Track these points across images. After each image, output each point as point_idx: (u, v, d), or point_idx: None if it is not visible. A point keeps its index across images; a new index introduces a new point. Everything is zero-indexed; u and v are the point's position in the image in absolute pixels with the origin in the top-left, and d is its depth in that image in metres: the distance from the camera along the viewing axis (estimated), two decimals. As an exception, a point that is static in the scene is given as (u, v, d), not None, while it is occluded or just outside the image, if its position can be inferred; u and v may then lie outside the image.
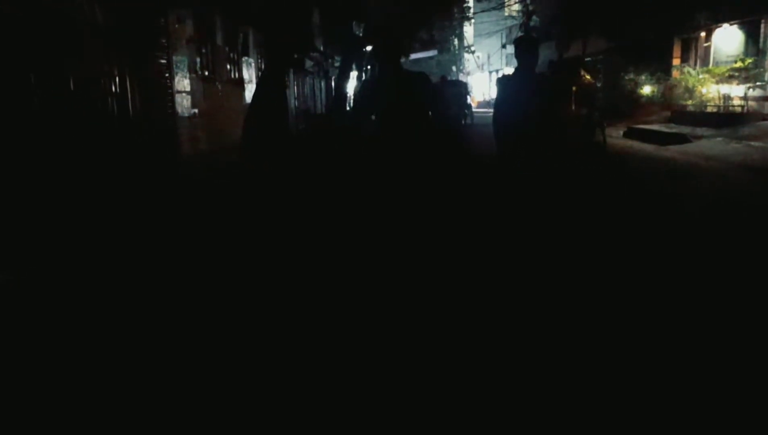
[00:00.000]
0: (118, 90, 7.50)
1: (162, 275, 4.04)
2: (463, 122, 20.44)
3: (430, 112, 3.93)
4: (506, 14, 33.12)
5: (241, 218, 5.76)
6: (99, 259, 4.40)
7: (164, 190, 7.32)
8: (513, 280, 3.74)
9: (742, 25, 14.49)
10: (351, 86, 20.19)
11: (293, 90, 18.22)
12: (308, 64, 19.86)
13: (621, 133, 15.52)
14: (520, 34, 25.01)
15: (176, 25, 9.25)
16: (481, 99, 40.67)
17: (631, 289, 3.55)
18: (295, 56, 16.60)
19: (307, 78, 21.24)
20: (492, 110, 4.61)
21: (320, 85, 23.75)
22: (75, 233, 5.06)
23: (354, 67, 19.29)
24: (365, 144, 3.92)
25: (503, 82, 4.62)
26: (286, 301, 3.43)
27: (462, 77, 44.11)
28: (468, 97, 22.29)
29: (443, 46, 37.31)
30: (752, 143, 10.95)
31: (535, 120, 4.31)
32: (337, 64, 21.73)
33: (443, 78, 20.37)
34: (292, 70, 17.34)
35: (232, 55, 12.48)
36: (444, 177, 6.15)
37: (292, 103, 17.70)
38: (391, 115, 3.79)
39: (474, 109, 34.74)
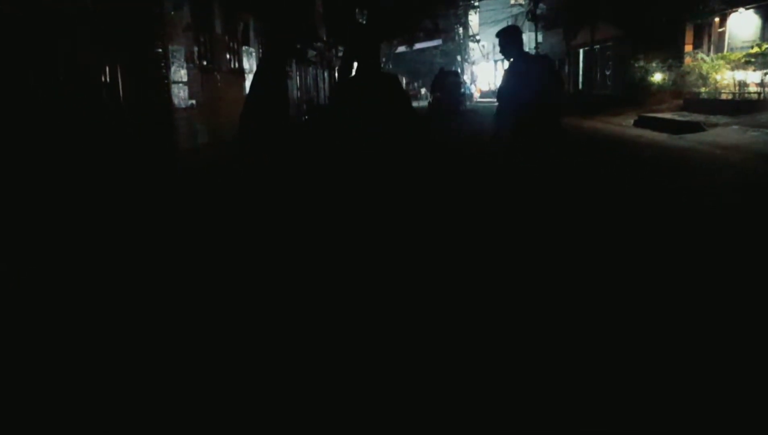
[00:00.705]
0: (110, 80, 7.20)
1: (159, 273, 3.90)
2: (460, 107, 21.57)
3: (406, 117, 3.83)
4: (512, 2, 32.66)
5: (239, 215, 5.51)
6: (93, 257, 4.24)
7: (160, 185, 7.04)
8: (517, 279, 3.44)
9: (759, 9, 14.06)
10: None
11: (295, 81, 17.91)
12: (311, 54, 19.54)
13: (631, 122, 15.17)
14: (526, 21, 24.76)
15: (172, 13, 8.91)
16: (486, 88, 40.29)
17: (649, 290, 3.25)
18: (298, 46, 16.30)
19: (310, 68, 20.92)
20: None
21: (323, 75, 23.44)
22: (64, 231, 4.89)
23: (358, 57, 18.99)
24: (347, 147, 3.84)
25: (508, 71, 4.58)
26: (285, 299, 3.29)
27: (467, 67, 43.78)
28: (462, 85, 23.62)
29: (448, 35, 36.89)
30: (770, 131, 10.58)
31: (535, 108, 4.25)
32: (340, 54, 21.42)
33: (441, 69, 21.36)
34: (294, 61, 17.02)
35: (231, 44, 12.15)
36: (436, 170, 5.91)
37: (295, 94, 17.42)
38: (368, 119, 3.69)
39: (478, 99, 34.73)
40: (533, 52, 18.55)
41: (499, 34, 4.46)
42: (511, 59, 4.42)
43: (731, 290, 3.26)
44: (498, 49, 4.78)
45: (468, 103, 26.84)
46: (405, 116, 3.74)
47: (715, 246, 4.14)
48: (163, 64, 8.41)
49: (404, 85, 42.58)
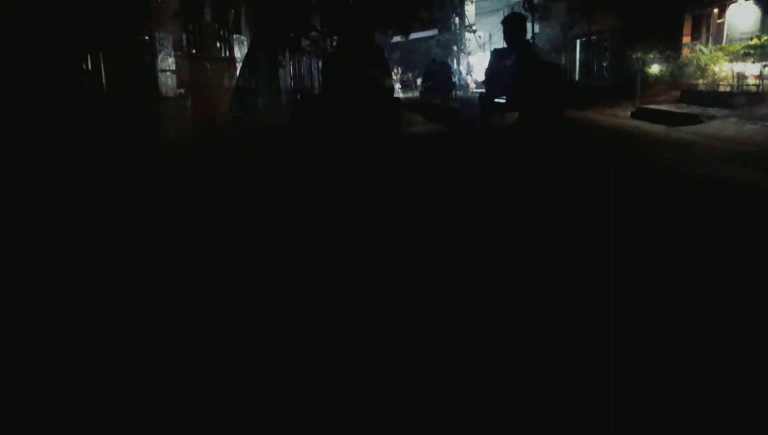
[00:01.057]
0: (92, 68, 6.97)
1: (153, 272, 3.75)
2: (450, 96, 22.79)
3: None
4: (508, -8, 32.37)
5: (231, 211, 5.35)
6: (86, 254, 4.09)
7: (148, 179, 6.84)
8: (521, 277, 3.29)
9: (759, 0, 13.87)
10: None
11: (289, 70, 17.68)
12: (304, 43, 19.31)
13: (628, 113, 15.02)
14: (521, 11, 24.56)
15: (159, -1, 8.67)
16: (482, 79, 40.11)
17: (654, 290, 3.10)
18: (291, 35, 16.05)
19: (304, 57, 20.71)
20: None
21: (317, 65, 23.27)
22: (52, 227, 4.73)
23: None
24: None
25: (497, 55, 4.56)
26: (284, 299, 3.15)
27: (463, 57, 43.61)
28: (452, 75, 25.15)
29: (444, 25, 36.66)
30: (769, 124, 10.44)
31: (531, 100, 4.18)
32: (335, 44, 21.21)
33: (433, 60, 22.76)
34: (287, 50, 16.78)
35: (222, 32, 11.91)
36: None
37: (289, 83, 17.21)
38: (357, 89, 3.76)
39: (474, 89, 34.68)
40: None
41: (504, 21, 4.36)
42: (511, 47, 4.31)
43: (732, 285, 3.12)
44: (492, 38, 4.69)
45: (461, 92, 27.22)
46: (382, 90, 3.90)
47: (717, 242, 4.00)
48: (149, 53, 8.17)
49: (399, 75, 42.19)
